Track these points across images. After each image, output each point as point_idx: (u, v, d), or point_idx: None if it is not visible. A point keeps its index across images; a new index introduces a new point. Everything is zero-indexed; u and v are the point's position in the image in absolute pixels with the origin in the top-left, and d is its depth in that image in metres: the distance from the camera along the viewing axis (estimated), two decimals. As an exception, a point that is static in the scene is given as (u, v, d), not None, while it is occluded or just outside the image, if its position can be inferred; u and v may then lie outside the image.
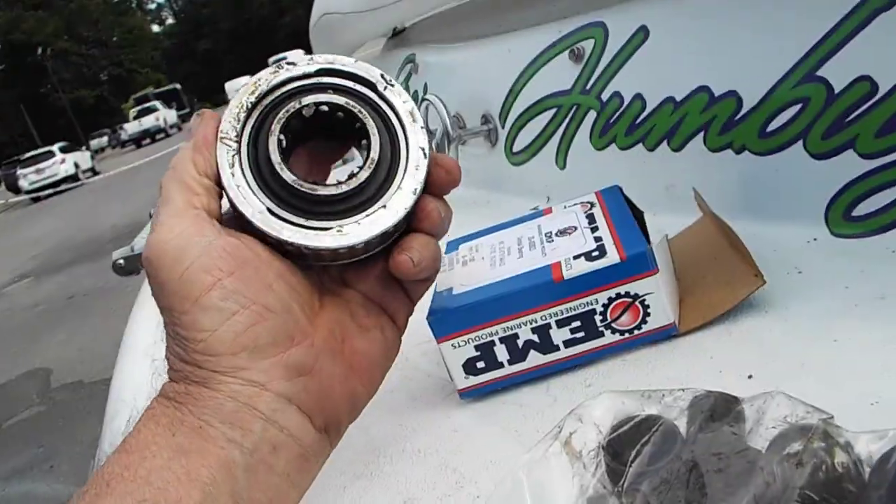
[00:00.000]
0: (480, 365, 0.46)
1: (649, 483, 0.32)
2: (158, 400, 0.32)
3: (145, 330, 0.88)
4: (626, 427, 0.35)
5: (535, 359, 0.45)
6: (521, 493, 0.34)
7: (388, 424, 0.47)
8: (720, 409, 0.34)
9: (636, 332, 0.44)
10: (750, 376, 0.41)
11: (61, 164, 18.81)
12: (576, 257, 0.44)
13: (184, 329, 0.32)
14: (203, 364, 0.31)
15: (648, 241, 0.47)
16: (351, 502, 0.42)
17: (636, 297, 0.43)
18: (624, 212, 0.49)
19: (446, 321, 0.45)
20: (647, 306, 0.44)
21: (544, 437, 0.37)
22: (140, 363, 0.79)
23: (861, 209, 0.50)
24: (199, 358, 0.31)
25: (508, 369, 0.46)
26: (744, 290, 0.45)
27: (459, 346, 0.45)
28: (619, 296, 0.43)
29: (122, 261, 1.35)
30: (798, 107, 0.53)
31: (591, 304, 0.44)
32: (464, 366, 0.46)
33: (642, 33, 0.66)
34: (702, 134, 0.60)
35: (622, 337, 0.45)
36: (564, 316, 0.44)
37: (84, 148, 25.28)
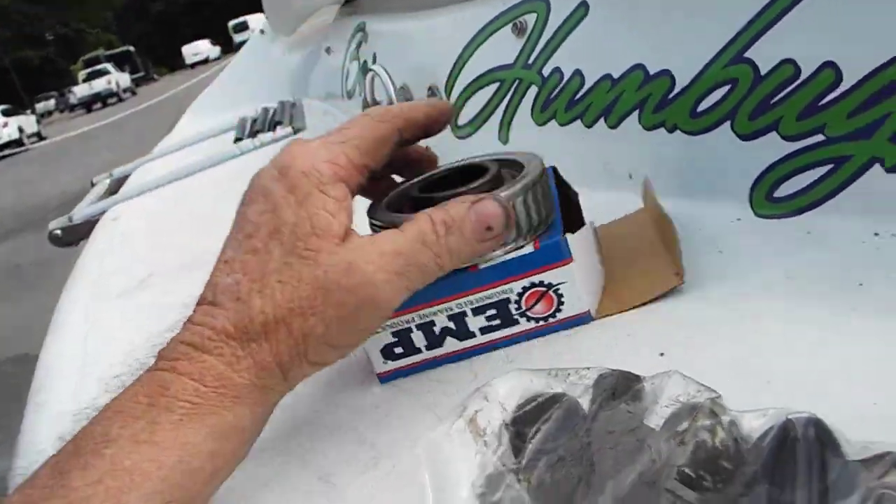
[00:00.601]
0: (399, 350, 0.48)
1: (547, 461, 0.35)
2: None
3: (78, 307, 0.89)
4: (530, 405, 0.38)
5: (452, 344, 0.48)
6: (420, 471, 0.37)
7: (308, 402, 0.50)
8: (621, 388, 0.37)
9: (551, 319, 0.47)
10: (662, 354, 0.43)
11: (4, 127, 18.45)
12: (493, 246, 0.47)
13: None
14: None
15: (581, 225, 0.49)
16: (267, 479, 0.44)
17: (550, 286, 0.46)
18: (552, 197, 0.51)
19: (363, 308, 0.47)
20: (562, 295, 0.46)
21: (449, 414, 0.40)
22: (70, 339, 0.80)
23: (783, 190, 0.53)
24: None
25: (426, 354, 0.48)
26: (661, 287, 0.48)
27: (377, 332, 0.47)
28: (533, 285, 0.46)
29: (59, 231, 1.34)
30: (727, 88, 0.55)
31: (506, 292, 0.46)
32: (382, 351, 0.48)
33: (583, 8, 0.68)
34: (637, 112, 0.63)
35: (537, 324, 0.47)
36: (480, 304, 0.46)
37: (29, 111, 24.75)
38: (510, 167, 0.49)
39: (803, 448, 0.30)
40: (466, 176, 0.47)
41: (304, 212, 0.39)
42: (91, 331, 0.82)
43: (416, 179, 0.51)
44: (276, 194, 0.40)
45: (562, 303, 0.46)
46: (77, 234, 1.37)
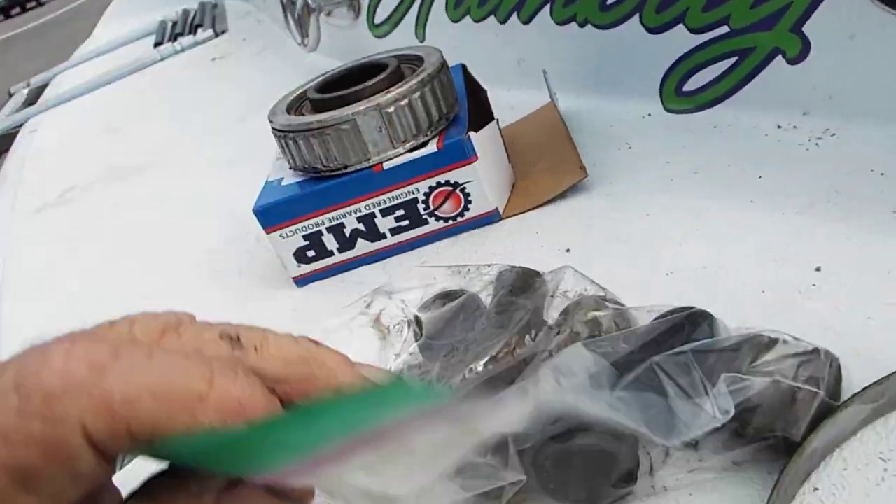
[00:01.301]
0: (311, 253, 0.48)
1: (444, 352, 0.36)
2: None
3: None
4: (431, 300, 0.38)
5: (363, 246, 0.48)
6: None
7: (228, 308, 0.50)
8: (520, 284, 0.38)
9: (459, 218, 0.47)
10: (568, 250, 0.44)
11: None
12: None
13: None
14: None
15: (490, 121, 0.49)
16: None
17: (456, 185, 0.46)
18: (459, 96, 0.50)
19: (272, 213, 0.47)
20: (468, 194, 0.46)
21: (348, 306, 0.40)
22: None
23: (691, 84, 0.53)
24: None
25: (339, 257, 0.48)
26: (567, 181, 0.48)
27: (287, 236, 0.47)
28: (439, 184, 0.46)
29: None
30: (636, -22, 0.55)
31: (413, 192, 0.46)
32: (294, 255, 0.48)
33: None
34: (548, 6, 0.62)
35: (446, 224, 0.47)
36: (388, 205, 0.46)
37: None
38: (410, 63, 0.49)
39: (682, 336, 0.31)
40: (366, 74, 0.46)
41: None
42: (11, 247, 0.81)
43: (315, 78, 0.49)
44: None
45: (469, 202, 0.47)
46: (-4, 147, 1.32)
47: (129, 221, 0.75)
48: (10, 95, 1.58)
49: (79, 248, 0.73)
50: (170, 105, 1.09)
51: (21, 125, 1.27)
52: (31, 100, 1.45)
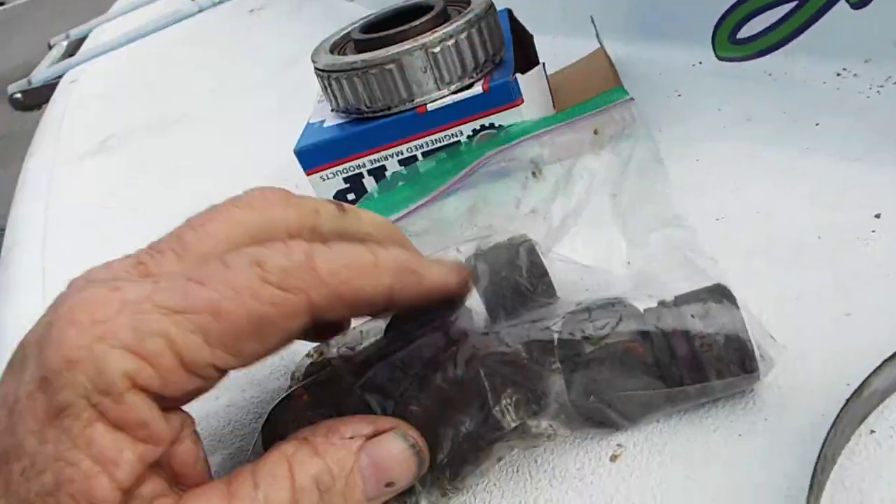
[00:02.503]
0: (351, 196, 0.48)
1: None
2: None
3: (40, 171, 0.88)
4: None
5: (404, 190, 0.48)
6: None
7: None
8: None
9: (503, 162, 0.47)
10: (614, 195, 0.44)
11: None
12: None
13: None
14: None
15: (535, 65, 0.48)
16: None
17: (500, 128, 0.45)
18: (506, 39, 0.49)
19: (313, 154, 0.46)
20: (513, 136, 0.46)
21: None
22: (33, 204, 0.79)
23: (746, 31, 0.52)
24: None
25: (379, 201, 0.48)
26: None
27: (328, 178, 0.47)
28: (483, 128, 0.45)
29: (18, 94, 1.32)
30: (691, -79, 0.53)
31: (456, 135, 0.45)
32: (335, 198, 0.48)
33: None
34: (598, -49, 0.60)
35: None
36: (430, 148, 0.46)
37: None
38: (457, 4, 0.48)
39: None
40: (412, 15, 0.46)
41: (50, 447, 0.23)
42: (53, 194, 0.82)
43: (359, 20, 0.49)
44: (18, 390, 0.24)
45: (513, 146, 0.46)
46: (37, 98, 1.34)
47: (169, 169, 0.76)
48: (50, 47, 1.59)
49: (120, 195, 0.74)
50: (208, 57, 1.09)
51: (61, 76, 1.28)
52: (71, 52, 1.47)
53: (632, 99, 0.47)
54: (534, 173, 0.45)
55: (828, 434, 0.24)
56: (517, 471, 0.29)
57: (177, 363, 0.23)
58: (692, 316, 0.27)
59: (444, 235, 0.43)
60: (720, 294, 0.28)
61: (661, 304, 0.29)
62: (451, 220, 0.44)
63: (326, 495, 0.25)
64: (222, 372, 0.25)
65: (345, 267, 0.26)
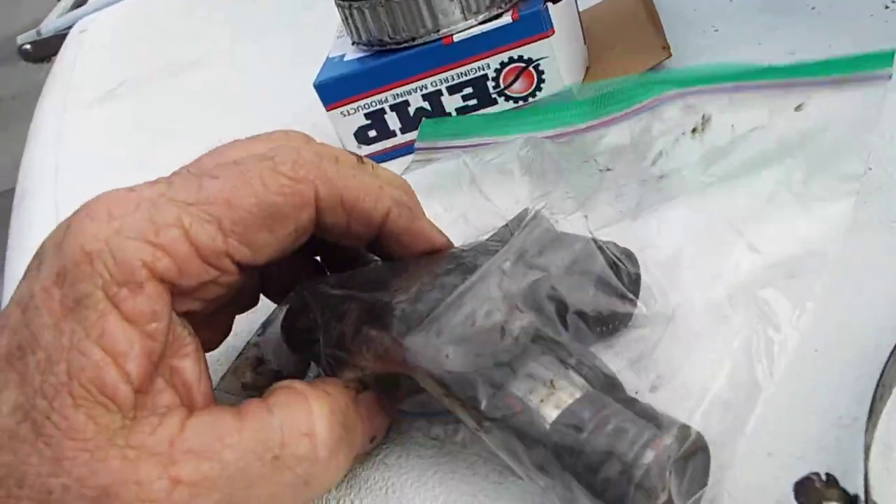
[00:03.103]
0: (373, 133, 0.47)
1: None
2: None
3: (50, 118, 0.87)
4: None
5: (428, 127, 0.46)
6: None
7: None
8: None
9: (530, 99, 0.45)
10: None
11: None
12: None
13: None
14: None
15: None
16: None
17: (529, 61, 0.44)
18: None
19: (333, 88, 0.45)
20: (542, 72, 0.44)
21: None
22: (43, 149, 0.78)
23: (786, -37, 0.50)
24: None
25: (402, 138, 0.47)
26: (648, 62, 0.45)
27: (349, 114, 0.46)
28: (511, 60, 0.43)
29: (28, 46, 1.30)
30: None
31: (483, 69, 0.44)
32: (355, 135, 0.47)
33: None
34: None
35: (516, 105, 0.45)
36: (455, 82, 0.44)
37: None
38: None
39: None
40: None
41: (65, 339, 0.23)
42: (63, 141, 0.81)
43: None
44: (33, 287, 0.24)
45: (542, 80, 0.44)
46: (47, 49, 1.32)
47: (182, 115, 0.74)
48: (59, -1, 1.57)
49: (131, 142, 0.73)
50: (221, 1, 1.07)
51: (70, 27, 1.27)
52: (80, 2, 1.45)
53: (889, 77, 0.38)
54: (695, 130, 0.39)
55: (886, 361, 0.23)
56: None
57: (192, 252, 0.24)
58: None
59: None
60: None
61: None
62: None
63: (343, 428, 0.26)
64: (238, 267, 0.26)
65: (352, 177, 0.27)
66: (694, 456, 0.23)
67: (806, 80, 0.40)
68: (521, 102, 0.45)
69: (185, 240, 0.24)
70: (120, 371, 0.23)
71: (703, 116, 0.39)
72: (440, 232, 0.31)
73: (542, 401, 0.24)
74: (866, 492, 0.20)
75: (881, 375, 0.23)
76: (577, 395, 0.24)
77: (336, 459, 0.26)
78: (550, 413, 0.24)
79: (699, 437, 0.23)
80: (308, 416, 0.25)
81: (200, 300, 0.26)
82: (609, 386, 0.25)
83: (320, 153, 0.27)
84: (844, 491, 0.20)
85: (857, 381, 0.25)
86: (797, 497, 0.21)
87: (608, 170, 0.39)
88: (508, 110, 0.45)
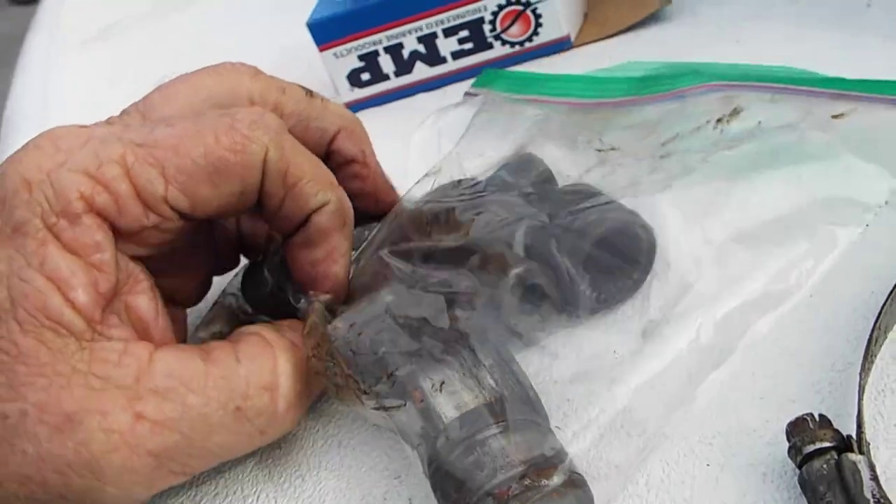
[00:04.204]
0: (366, 76, 0.46)
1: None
2: None
3: (37, 58, 0.86)
4: None
5: (422, 71, 0.45)
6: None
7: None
8: None
9: (527, 44, 0.44)
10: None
11: None
12: (468, -42, 0.43)
13: None
14: None
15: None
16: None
17: (528, 4, 0.42)
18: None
19: (327, 27, 0.44)
20: (539, 16, 0.43)
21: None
22: (31, 91, 0.77)
23: None
24: None
25: (395, 81, 0.46)
26: (647, 8, 0.44)
27: (342, 55, 0.45)
28: (509, 2, 0.42)
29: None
30: None
31: (480, 11, 0.43)
32: (348, 77, 0.46)
33: None
34: None
35: (512, 49, 0.44)
36: (451, 24, 0.43)
37: None
38: None
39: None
40: None
41: (4, 265, 0.23)
42: (51, 82, 0.79)
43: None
44: None
45: (539, 25, 0.43)
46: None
47: (173, 55, 0.73)
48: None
49: (122, 83, 0.71)
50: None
51: (59, -34, 1.23)
52: (69, -58, 1.41)
53: None
54: (720, 120, 0.35)
55: (883, 305, 0.23)
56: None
57: (132, 192, 0.24)
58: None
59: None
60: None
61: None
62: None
63: (303, 383, 0.26)
64: (178, 215, 0.25)
65: (304, 156, 0.27)
66: (562, 497, 0.22)
67: (860, 94, 0.34)
68: (517, 47, 0.44)
69: (126, 178, 0.24)
70: (64, 298, 0.23)
71: (735, 109, 0.35)
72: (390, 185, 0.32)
73: (444, 397, 0.24)
74: (859, 432, 0.20)
75: (877, 319, 0.23)
76: (479, 401, 0.24)
77: (293, 412, 0.26)
78: (449, 412, 0.23)
79: (571, 479, 0.22)
80: (273, 369, 0.25)
81: (145, 246, 0.25)
82: (518, 394, 0.24)
83: (281, 121, 0.27)
84: (837, 431, 0.20)
85: (853, 327, 0.25)
86: (789, 437, 0.21)
87: (612, 149, 0.37)
88: (559, 74, 0.43)
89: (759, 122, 0.34)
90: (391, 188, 0.33)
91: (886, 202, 0.28)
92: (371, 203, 0.32)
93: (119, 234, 0.24)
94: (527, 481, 0.21)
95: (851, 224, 0.28)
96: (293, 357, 0.26)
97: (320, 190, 0.27)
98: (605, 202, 0.28)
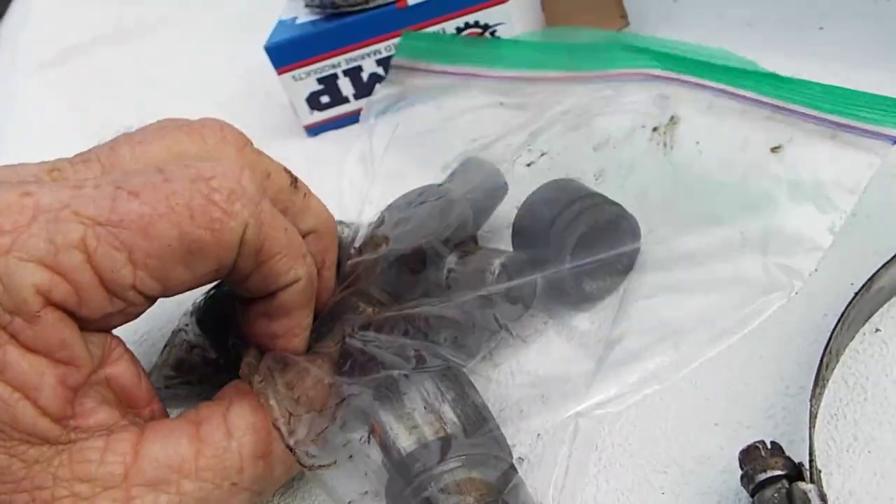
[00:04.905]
0: (325, 99, 0.45)
1: None
2: None
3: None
4: None
5: (382, 94, 0.45)
6: None
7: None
8: None
9: (487, 64, 0.44)
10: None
11: None
12: (425, -17, 0.43)
13: None
14: None
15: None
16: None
17: (486, 27, 0.43)
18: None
19: (285, 50, 0.44)
20: (498, 39, 0.43)
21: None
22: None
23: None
24: None
25: (354, 104, 0.45)
26: (608, 30, 0.45)
27: (301, 78, 0.44)
28: (467, 25, 0.42)
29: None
30: None
31: (439, 33, 0.43)
32: (307, 100, 0.45)
33: None
34: None
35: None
36: (411, 46, 0.43)
37: None
38: None
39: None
40: None
41: None
42: (10, 107, 0.78)
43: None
44: None
45: (499, 47, 0.43)
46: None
47: (134, 80, 0.72)
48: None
49: (81, 108, 0.70)
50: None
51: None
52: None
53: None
54: (656, 129, 0.33)
55: (834, 329, 0.23)
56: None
57: (95, 281, 0.21)
58: None
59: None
60: None
61: None
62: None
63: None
64: (148, 298, 0.22)
65: (282, 230, 0.24)
66: None
67: (799, 108, 0.31)
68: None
69: (88, 266, 0.21)
70: (33, 406, 0.20)
71: (672, 118, 0.34)
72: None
73: (403, 430, 0.24)
74: (811, 460, 0.20)
75: (828, 342, 0.23)
76: (439, 435, 0.23)
77: (289, 467, 0.25)
78: (407, 445, 0.23)
79: None
80: (267, 437, 0.24)
81: (108, 328, 0.23)
82: (477, 423, 0.24)
83: (260, 187, 0.23)
84: (789, 459, 0.20)
85: (804, 350, 0.25)
86: (742, 465, 0.21)
87: (543, 154, 0.37)
88: (488, 38, 0.43)
89: (697, 143, 0.33)
90: (332, 291, 0.29)
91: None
92: None
93: (79, 320, 0.22)
94: None
95: (782, 290, 0.26)
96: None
97: (292, 267, 0.24)
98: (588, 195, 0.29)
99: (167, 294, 0.23)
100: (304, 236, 0.26)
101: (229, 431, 0.23)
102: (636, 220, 0.30)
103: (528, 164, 0.36)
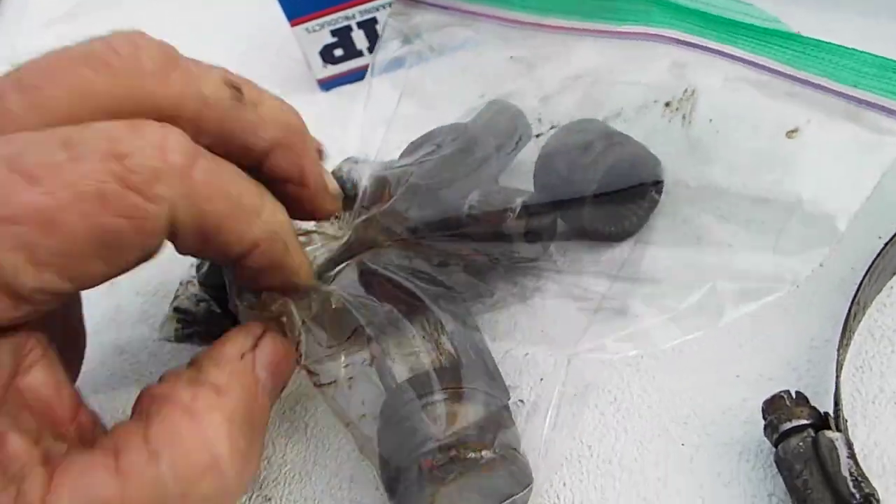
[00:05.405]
0: (339, 52, 0.45)
1: None
2: None
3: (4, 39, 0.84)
4: None
5: (396, 47, 0.44)
6: None
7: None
8: None
9: (506, 16, 0.43)
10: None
11: None
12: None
13: None
14: None
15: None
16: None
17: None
18: None
19: (299, 1, 0.43)
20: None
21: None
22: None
23: None
24: None
25: (369, 58, 0.45)
26: None
27: (314, 30, 0.44)
28: (486, -27, 0.42)
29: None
30: None
31: (458, -18, 0.42)
32: (321, 53, 0.45)
33: None
34: None
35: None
36: (428, -3, 0.43)
37: None
38: None
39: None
40: None
41: None
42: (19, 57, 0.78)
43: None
44: None
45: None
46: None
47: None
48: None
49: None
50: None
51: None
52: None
53: None
54: (668, 104, 0.32)
55: (862, 280, 0.22)
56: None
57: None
58: None
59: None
60: None
61: None
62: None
63: (250, 429, 0.21)
64: (62, 296, 0.19)
65: (223, 197, 0.20)
66: (491, 471, 0.21)
67: (821, 80, 0.27)
68: (495, 22, 0.43)
69: None
70: None
71: (686, 91, 0.32)
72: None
73: (400, 357, 0.24)
74: (837, 409, 0.20)
75: (855, 294, 0.22)
76: (434, 365, 0.23)
77: (248, 466, 0.21)
78: (402, 373, 0.23)
79: (503, 455, 0.21)
80: (205, 443, 0.19)
81: (15, 331, 0.19)
82: (475, 359, 0.24)
83: (192, 152, 0.20)
84: (815, 408, 0.20)
85: (831, 303, 0.25)
86: (765, 415, 0.20)
87: (553, 128, 0.36)
88: None
89: (711, 121, 0.31)
90: (333, 198, 0.26)
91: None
92: (308, 217, 0.26)
93: None
94: (452, 453, 0.21)
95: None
96: (225, 411, 0.20)
97: (245, 232, 0.21)
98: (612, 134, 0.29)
99: (85, 288, 0.19)
100: (267, 153, 0.23)
101: (156, 452, 0.19)
102: (658, 159, 0.29)
103: (537, 136, 0.35)
